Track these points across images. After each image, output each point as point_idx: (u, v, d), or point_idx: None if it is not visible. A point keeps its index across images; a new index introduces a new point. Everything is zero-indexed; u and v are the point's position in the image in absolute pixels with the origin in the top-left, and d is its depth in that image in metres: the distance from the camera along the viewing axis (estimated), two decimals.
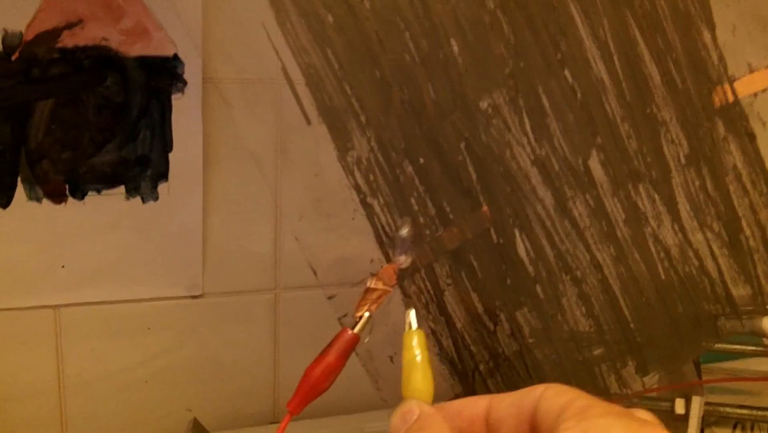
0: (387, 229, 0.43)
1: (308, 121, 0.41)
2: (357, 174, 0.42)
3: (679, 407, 0.58)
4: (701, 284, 0.48)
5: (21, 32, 0.72)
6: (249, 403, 0.88)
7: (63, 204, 0.77)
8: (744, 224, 0.49)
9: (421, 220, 0.44)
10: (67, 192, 0.77)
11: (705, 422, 0.60)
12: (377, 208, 0.43)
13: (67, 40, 0.73)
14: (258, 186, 0.82)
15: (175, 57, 0.76)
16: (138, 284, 0.81)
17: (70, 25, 0.74)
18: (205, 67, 0.77)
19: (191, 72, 0.77)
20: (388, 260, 0.44)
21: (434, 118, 0.43)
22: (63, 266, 0.78)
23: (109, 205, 0.78)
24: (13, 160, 0.74)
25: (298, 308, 0.87)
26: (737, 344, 0.69)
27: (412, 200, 0.43)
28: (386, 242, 0.43)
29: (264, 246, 0.85)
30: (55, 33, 0.73)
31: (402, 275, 0.43)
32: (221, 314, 0.85)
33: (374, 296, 0.42)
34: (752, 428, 0.65)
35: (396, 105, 0.41)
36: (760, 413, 0.62)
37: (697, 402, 0.56)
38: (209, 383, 0.85)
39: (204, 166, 0.79)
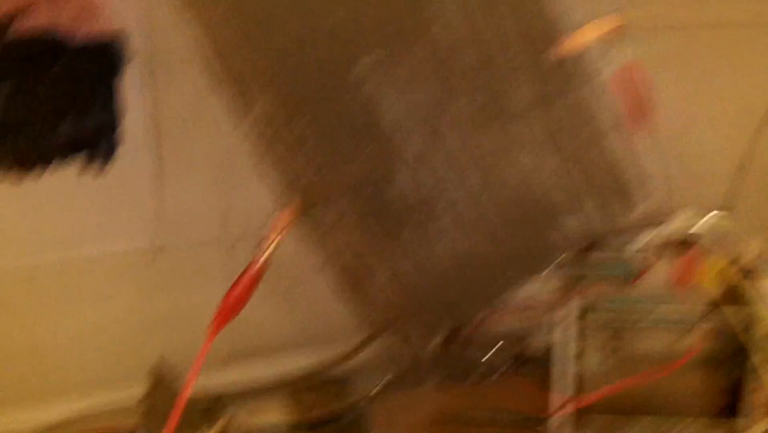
0: (290, 171, 0.53)
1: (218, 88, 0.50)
2: (261, 128, 0.51)
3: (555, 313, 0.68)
4: (557, 200, 0.58)
5: None
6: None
7: (30, 174, 0.85)
8: (588, 148, 0.58)
9: (317, 161, 0.54)
10: (33, 163, 0.85)
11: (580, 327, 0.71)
12: (279, 154, 0.53)
13: (19, 28, 0.81)
14: (205, 145, 0.90)
15: (121, 33, 0.84)
16: (104, 240, 0.90)
17: (20, 13, 0.81)
18: (149, 42, 0.85)
19: (137, 47, 0.85)
20: (292, 197, 0.53)
21: (323, 77, 0.52)
22: (34, 231, 0.86)
23: (72, 172, 0.86)
24: None
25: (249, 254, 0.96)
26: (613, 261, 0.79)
27: (309, 146, 0.53)
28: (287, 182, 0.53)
29: (215, 204, 0.93)
30: (6, 21, 0.81)
31: (301, 212, 0.53)
32: (181, 263, 0.94)
33: (278, 229, 0.51)
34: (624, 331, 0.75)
35: (289, 70, 0.51)
36: (626, 317, 0.72)
37: (570, 309, 0.67)
38: (173, 328, 0.94)
39: (156, 131, 0.88)
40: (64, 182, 0.85)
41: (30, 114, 0.83)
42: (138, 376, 0.88)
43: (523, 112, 0.57)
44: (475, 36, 0.55)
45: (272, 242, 0.51)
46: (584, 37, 0.57)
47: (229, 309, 0.50)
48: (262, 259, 0.51)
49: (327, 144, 0.54)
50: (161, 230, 0.92)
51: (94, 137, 0.87)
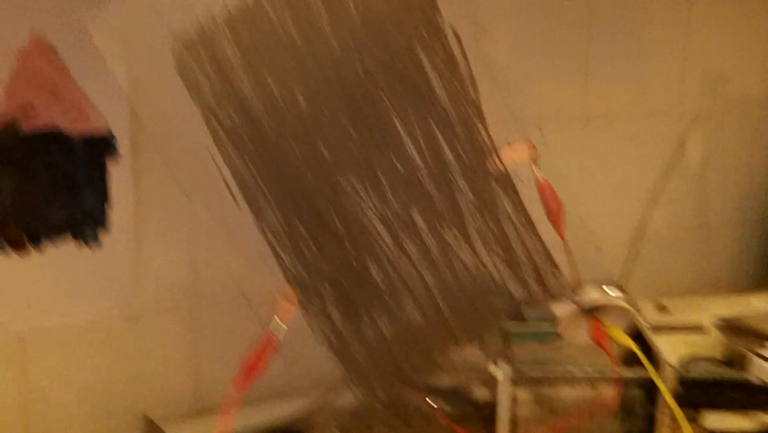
0: (289, 265, 0.68)
1: (239, 206, 0.65)
2: (268, 233, 0.67)
3: (492, 370, 0.84)
4: (489, 285, 0.75)
5: None
6: (173, 398, 1.09)
7: (25, 252, 0.96)
8: (513, 246, 0.76)
9: (309, 258, 0.69)
10: (28, 242, 0.96)
11: (513, 381, 0.86)
12: (281, 253, 0.68)
13: (26, 127, 0.93)
14: (178, 230, 1.04)
15: (110, 133, 0.98)
16: (86, 309, 1.01)
17: (23, 111, 0.93)
18: (133, 141, 0.98)
19: (123, 145, 0.98)
20: (291, 286, 0.69)
21: (313, 194, 0.68)
22: (26, 300, 0.98)
23: (61, 250, 0.98)
24: None
25: (213, 323, 1.10)
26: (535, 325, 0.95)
27: (302, 246, 0.68)
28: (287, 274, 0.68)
29: (184, 277, 1.06)
30: (15, 122, 0.93)
31: (299, 297, 0.69)
32: (151, 326, 1.06)
33: (284, 310, 0.67)
34: (550, 385, 0.91)
35: (288, 189, 0.66)
36: (547, 369, 0.88)
37: (504, 367, 0.83)
38: (144, 384, 1.07)
39: (137, 214, 1.00)
40: (50, 258, 0.97)
41: (29, 200, 0.95)
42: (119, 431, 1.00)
43: (463, 219, 0.74)
44: (424, 163, 0.72)
45: (281, 321, 0.66)
46: (508, 157, 0.74)
47: (249, 373, 0.64)
48: (272, 336, 0.66)
49: (316, 244, 0.69)
50: (137, 300, 1.04)
51: (82, 221, 0.99)
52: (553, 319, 1.00)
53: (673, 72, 1.44)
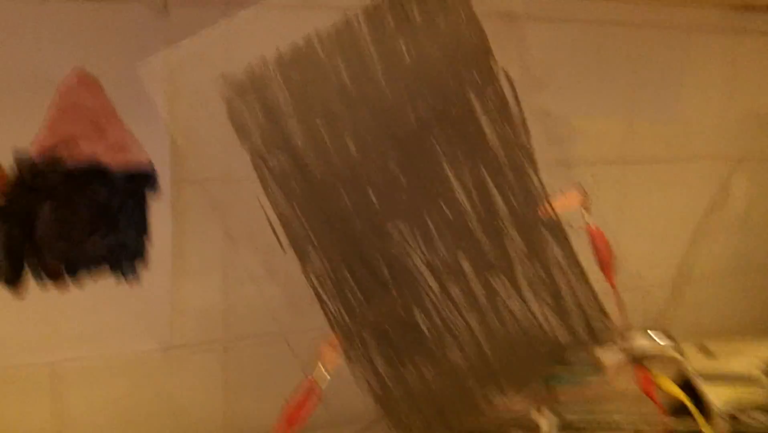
0: (333, 311, 0.67)
1: (284, 251, 0.64)
2: (313, 278, 0.66)
3: (536, 417, 0.82)
4: (537, 333, 0.73)
5: (27, 151, 0.91)
6: (204, 430, 1.08)
7: (61, 282, 0.96)
8: (563, 293, 0.74)
9: (355, 304, 0.68)
10: (65, 273, 0.96)
11: (558, 428, 0.85)
12: (326, 299, 0.67)
13: (68, 159, 0.92)
14: (214, 265, 1.03)
15: (150, 165, 0.97)
16: (120, 341, 1.01)
17: (66, 144, 0.93)
18: (174, 176, 0.98)
19: (163, 176, 0.98)
20: (335, 332, 0.67)
21: (360, 240, 0.67)
22: (61, 330, 0.97)
23: (98, 282, 0.97)
24: (21, 251, 0.93)
25: (245, 357, 1.09)
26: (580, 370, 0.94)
27: (348, 292, 0.67)
28: (332, 320, 0.67)
29: (219, 312, 1.06)
30: (54, 151, 0.93)
31: (343, 343, 0.67)
32: (184, 359, 1.05)
33: (328, 357, 0.66)
34: (592, 429, 0.89)
35: (336, 235, 0.65)
36: (592, 417, 0.86)
37: (548, 414, 0.81)
38: (176, 416, 1.06)
39: (174, 247, 1.00)
40: (87, 290, 0.97)
41: (68, 231, 0.94)
42: None
43: (512, 266, 0.72)
44: (474, 209, 0.70)
45: (323, 367, 0.65)
46: (559, 204, 0.72)
47: (290, 421, 0.62)
48: (318, 381, 0.64)
49: (362, 290, 0.68)
50: (172, 333, 1.03)
51: (121, 254, 0.98)
52: (597, 364, 0.98)
53: (716, 114, 1.42)
